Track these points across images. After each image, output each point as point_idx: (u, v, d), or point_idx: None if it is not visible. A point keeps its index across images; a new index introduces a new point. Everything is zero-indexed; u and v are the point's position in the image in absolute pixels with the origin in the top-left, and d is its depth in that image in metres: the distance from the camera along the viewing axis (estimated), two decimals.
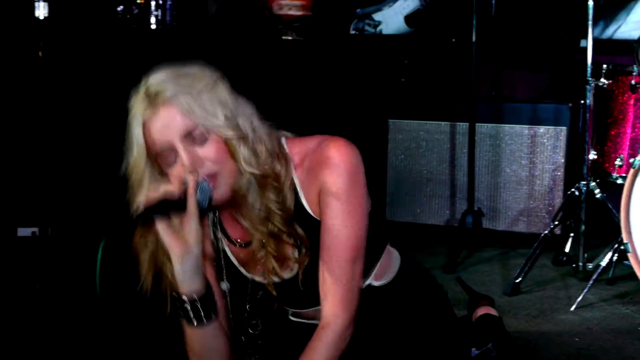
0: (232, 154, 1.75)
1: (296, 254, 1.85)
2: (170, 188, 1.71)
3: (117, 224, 1.66)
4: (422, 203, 4.43)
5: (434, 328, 2.04)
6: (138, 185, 1.78)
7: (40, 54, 3.65)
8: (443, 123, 4.39)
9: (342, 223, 1.80)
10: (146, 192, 1.73)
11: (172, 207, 1.70)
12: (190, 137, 1.73)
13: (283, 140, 1.87)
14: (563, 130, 4.16)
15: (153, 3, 4.08)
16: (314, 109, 4.50)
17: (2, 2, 3.97)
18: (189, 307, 1.78)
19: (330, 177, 1.78)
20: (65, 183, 3.95)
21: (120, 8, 4.07)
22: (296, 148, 1.86)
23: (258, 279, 1.94)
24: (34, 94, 3.89)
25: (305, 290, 1.89)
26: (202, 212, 1.75)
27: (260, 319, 1.99)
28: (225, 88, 1.79)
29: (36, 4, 3.40)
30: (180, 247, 1.73)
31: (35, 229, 3.85)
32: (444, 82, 4.97)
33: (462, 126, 4.28)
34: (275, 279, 1.89)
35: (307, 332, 1.89)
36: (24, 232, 3.92)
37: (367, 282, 1.95)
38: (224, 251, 1.95)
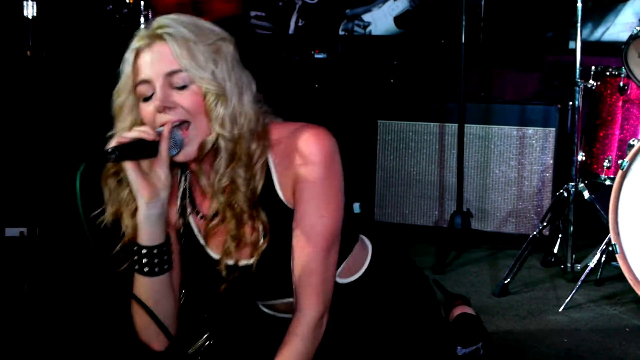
0: (207, 110, 1.73)
1: (254, 238, 1.80)
2: (144, 130, 1.71)
3: (95, 155, 1.65)
4: (411, 204, 4.44)
5: (411, 326, 2.00)
6: (118, 113, 1.79)
7: (28, 53, 3.63)
8: (432, 124, 4.39)
9: (317, 212, 1.77)
10: (121, 131, 1.74)
11: (144, 149, 1.69)
12: (172, 78, 1.72)
13: (268, 123, 1.84)
14: (552, 131, 4.17)
15: (142, 2, 4.06)
16: (303, 108, 4.50)
17: None
18: (144, 256, 1.76)
19: (307, 165, 1.76)
20: (52, 183, 3.93)
21: (109, 7, 4.06)
22: (276, 132, 1.83)
23: (215, 257, 1.88)
24: (22, 93, 3.88)
25: (263, 279, 1.85)
26: (172, 162, 1.75)
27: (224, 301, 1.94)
28: (227, 50, 1.78)
29: (25, 3, 3.39)
30: (148, 192, 1.71)
31: (24, 229, 3.84)
32: (433, 83, 4.98)
33: (451, 127, 4.29)
34: (230, 262, 1.82)
35: (279, 326, 1.85)
36: (11, 232, 3.90)
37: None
38: (188, 222, 1.90)
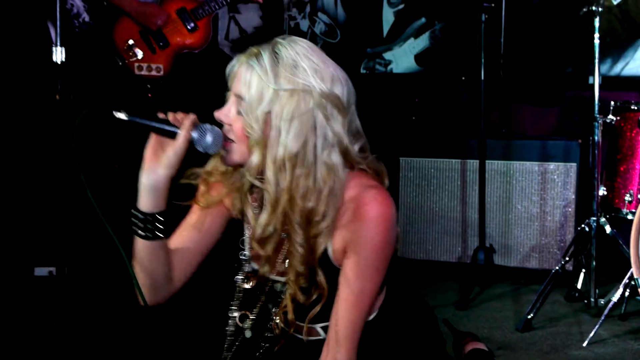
0: (249, 147, 1.79)
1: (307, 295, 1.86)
2: (176, 116, 1.81)
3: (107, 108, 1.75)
4: (433, 240, 4.46)
5: None
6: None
7: (57, 97, 3.72)
8: (453, 160, 4.42)
9: (368, 277, 1.81)
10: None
11: (166, 130, 1.80)
12: (238, 99, 1.80)
13: (346, 182, 1.84)
14: (573, 166, 4.18)
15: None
16: None
17: (22, 47, 4.07)
18: (136, 219, 1.82)
19: (365, 232, 1.78)
20: (81, 223, 3.99)
21: (120, 63, 4.14)
22: (348, 192, 1.83)
23: (254, 266, 1.95)
24: (50, 135, 3.96)
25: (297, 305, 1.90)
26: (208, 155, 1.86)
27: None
28: (303, 101, 1.77)
29: (54, 48, 3.48)
30: (150, 163, 1.80)
31: (52, 269, 3.90)
32: (454, 120, 5.01)
33: (473, 163, 4.31)
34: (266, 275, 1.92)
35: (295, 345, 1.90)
36: (40, 271, 3.96)
37: None
38: (243, 220, 1.96)
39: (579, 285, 3.87)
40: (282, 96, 1.76)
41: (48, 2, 3.68)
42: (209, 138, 1.81)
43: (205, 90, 4.03)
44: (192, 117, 1.81)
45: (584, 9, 3.63)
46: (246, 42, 5.15)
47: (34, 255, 4.03)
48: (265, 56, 1.78)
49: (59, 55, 3.43)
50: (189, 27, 4.16)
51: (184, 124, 1.79)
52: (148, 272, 1.86)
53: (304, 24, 5.54)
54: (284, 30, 5.20)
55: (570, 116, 4.78)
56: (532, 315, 3.49)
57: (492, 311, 3.76)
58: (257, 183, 1.81)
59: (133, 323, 3.29)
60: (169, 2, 4.22)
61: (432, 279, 4.25)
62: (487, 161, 4.14)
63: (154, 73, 4.07)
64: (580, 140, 4.20)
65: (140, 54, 4.06)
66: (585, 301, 3.70)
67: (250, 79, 1.78)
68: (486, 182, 4.14)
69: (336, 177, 1.79)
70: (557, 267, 3.68)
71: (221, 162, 1.89)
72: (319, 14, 5.52)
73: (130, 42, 4.06)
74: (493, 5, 4.04)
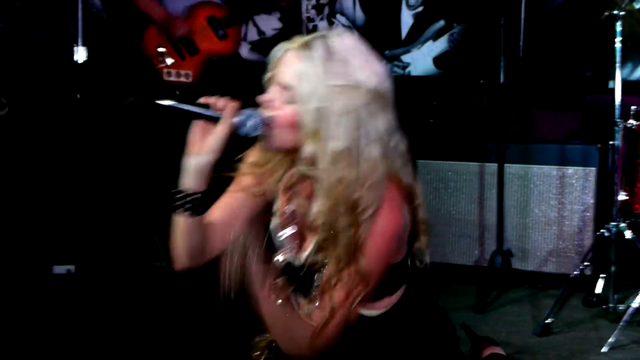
0: (301, 138, 1.83)
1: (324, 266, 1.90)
2: (219, 101, 1.85)
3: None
4: (451, 243, 4.44)
5: None
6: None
7: (78, 96, 3.75)
8: (472, 164, 4.41)
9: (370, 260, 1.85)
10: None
11: (209, 114, 1.85)
12: (284, 89, 1.84)
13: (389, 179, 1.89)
14: (592, 171, 4.16)
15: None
16: None
17: (43, 47, 4.09)
18: (182, 198, 1.89)
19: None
20: (100, 221, 4.01)
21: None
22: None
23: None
24: (72, 134, 3.99)
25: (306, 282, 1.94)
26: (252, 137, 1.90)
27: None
28: (356, 96, 1.81)
29: (75, 48, 3.51)
30: (195, 146, 1.86)
31: (71, 267, 3.92)
32: (472, 123, 5.00)
33: (491, 167, 4.29)
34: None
35: None
36: (59, 269, 3.98)
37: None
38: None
39: (597, 291, 3.85)
40: (334, 91, 1.79)
41: (71, 2, 3.71)
42: (250, 123, 1.86)
43: (226, 92, 4.05)
44: (234, 103, 1.85)
45: (606, 13, 3.62)
46: (265, 44, 5.17)
47: (53, 253, 4.05)
48: (319, 49, 1.81)
49: (80, 54, 3.46)
50: (218, 34, 4.18)
51: (227, 110, 1.84)
52: (186, 244, 1.94)
53: (322, 26, 5.54)
54: (302, 33, 5.21)
55: (590, 120, 4.76)
56: (550, 319, 3.47)
57: (509, 315, 3.75)
58: (309, 172, 1.86)
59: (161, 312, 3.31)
60: (200, 10, 4.25)
61: (449, 282, 4.24)
62: (505, 165, 4.12)
63: (182, 79, 4.10)
64: (599, 145, 4.18)
65: (169, 60, 4.09)
66: (604, 306, 3.68)
67: (302, 71, 1.81)
68: (504, 185, 4.13)
69: (378, 172, 1.84)
70: (575, 272, 3.67)
71: (260, 147, 1.95)
72: (337, 16, 5.52)
73: (160, 48, 4.09)
74: (513, 8, 4.03)
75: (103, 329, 3.35)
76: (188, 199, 1.89)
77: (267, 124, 1.86)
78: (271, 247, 2.01)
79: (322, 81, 1.79)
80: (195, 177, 1.87)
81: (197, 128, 1.87)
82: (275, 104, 1.86)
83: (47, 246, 4.10)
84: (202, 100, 1.87)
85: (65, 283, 3.93)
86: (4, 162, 4.23)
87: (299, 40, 1.86)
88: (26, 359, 3.11)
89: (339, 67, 1.81)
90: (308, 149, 1.82)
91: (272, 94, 1.87)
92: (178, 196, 1.90)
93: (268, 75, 1.90)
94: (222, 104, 1.85)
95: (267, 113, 1.87)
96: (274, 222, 2.04)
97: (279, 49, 1.87)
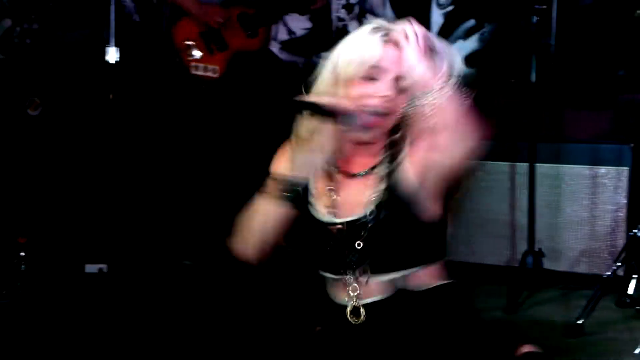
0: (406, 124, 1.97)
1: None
2: (335, 101, 1.92)
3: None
4: (481, 243, 4.42)
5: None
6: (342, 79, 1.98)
7: (110, 96, 3.79)
8: (502, 163, 4.39)
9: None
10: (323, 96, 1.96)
11: (324, 113, 1.91)
12: (397, 82, 1.94)
13: None
14: (625, 170, 4.12)
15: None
16: None
17: (76, 48, 4.14)
18: (286, 185, 1.97)
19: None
20: (132, 220, 4.05)
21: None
22: None
23: (323, 218, 2.02)
24: (104, 134, 4.03)
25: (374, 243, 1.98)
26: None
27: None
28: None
29: (107, 49, 3.54)
30: (305, 142, 1.95)
31: (103, 266, 3.96)
32: (503, 122, 4.97)
33: (522, 166, 4.27)
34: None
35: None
36: (91, 268, 4.03)
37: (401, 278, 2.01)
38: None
39: (630, 291, 3.80)
40: (440, 84, 1.92)
41: (103, 3, 3.75)
42: (353, 119, 1.92)
43: (255, 89, 4.07)
44: (343, 101, 1.92)
45: (638, 11, 3.58)
46: (295, 44, 5.18)
47: (85, 252, 4.09)
48: (415, 37, 1.92)
49: (112, 55, 3.50)
50: (248, 32, 4.20)
51: (337, 108, 1.91)
52: (262, 234, 2.00)
53: (353, 26, 5.53)
54: (332, 32, 5.21)
55: (623, 119, 4.70)
56: (582, 320, 3.45)
57: (541, 316, 3.73)
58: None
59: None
60: (231, 7, 4.27)
61: (480, 282, 4.22)
62: (536, 164, 4.09)
63: (209, 74, 4.12)
64: (632, 144, 4.14)
65: (198, 54, 4.11)
66: (637, 307, 3.64)
67: (416, 63, 1.89)
68: (535, 185, 4.10)
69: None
70: (608, 272, 3.64)
71: (356, 136, 1.98)
72: (367, 15, 5.51)
73: (189, 42, 4.11)
74: (545, 7, 4.00)
75: (134, 328, 3.38)
76: (291, 186, 1.96)
77: (373, 114, 1.93)
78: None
79: (431, 74, 1.90)
80: (297, 166, 1.96)
81: (307, 125, 1.94)
82: (389, 94, 1.93)
83: (79, 245, 4.15)
84: (321, 100, 1.92)
85: (97, 282, 3.97)
86: (38, 161, 4.29)
87: (394, 30, 1.95)
88: (58, 358, 3.14)
89: (441, 61, 1.96)
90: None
91: (383, 86, 1.93)
92: (282, 184, 1.97)
93: (364, 70, 1.93)
94: (332, 103, 1.91)
95: (379, 107, 1.93)
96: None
97: (370, 44, 1.94)
